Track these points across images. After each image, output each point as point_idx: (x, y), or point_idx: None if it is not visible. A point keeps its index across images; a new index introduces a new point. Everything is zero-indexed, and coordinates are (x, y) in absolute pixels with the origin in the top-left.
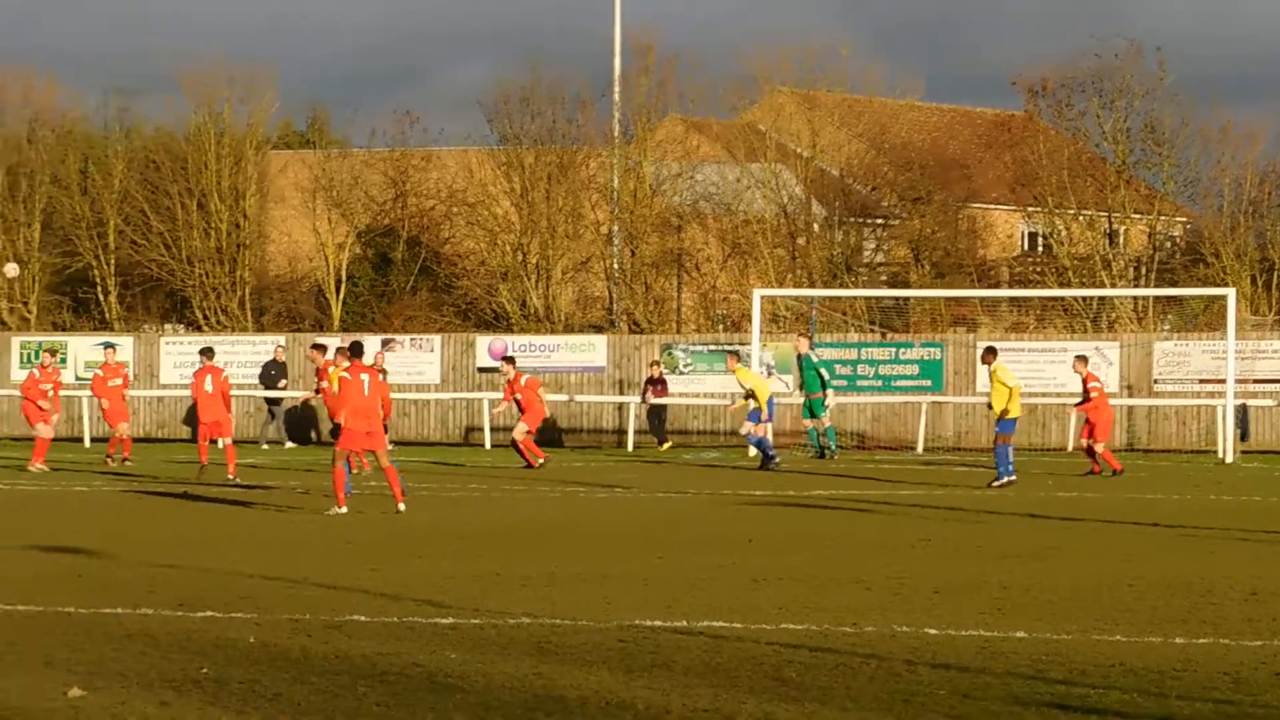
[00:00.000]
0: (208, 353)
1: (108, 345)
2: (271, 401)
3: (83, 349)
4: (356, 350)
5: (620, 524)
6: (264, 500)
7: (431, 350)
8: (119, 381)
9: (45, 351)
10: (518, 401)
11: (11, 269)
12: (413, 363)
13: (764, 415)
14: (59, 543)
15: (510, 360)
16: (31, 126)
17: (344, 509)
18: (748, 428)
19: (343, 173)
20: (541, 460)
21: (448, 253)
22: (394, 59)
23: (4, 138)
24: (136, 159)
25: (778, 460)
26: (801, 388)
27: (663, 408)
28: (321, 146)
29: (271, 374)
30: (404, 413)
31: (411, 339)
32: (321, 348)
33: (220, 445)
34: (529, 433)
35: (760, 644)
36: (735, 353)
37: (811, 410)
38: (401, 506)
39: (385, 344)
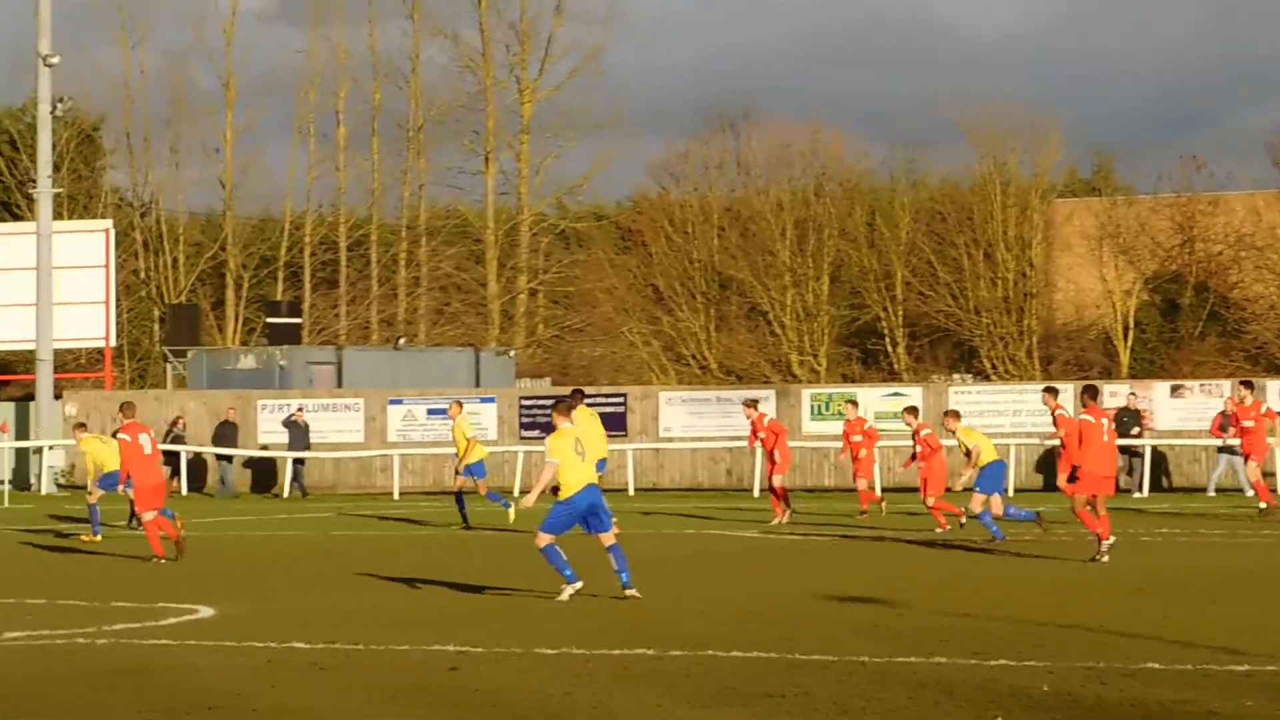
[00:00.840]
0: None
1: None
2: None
3: (872, 400)
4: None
5: None
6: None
7: (1221, 396)
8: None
9: (848, 403)
10: None
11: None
12: (1202, 409)
13: None
14: (857, 594)
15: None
16: (819, 180)
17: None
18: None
19: (1129, 219)
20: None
21: (1236, 297)
22: (1180, 104)
23: (793, 191)
24: (922, 210)
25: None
26: None
27: None
28: (1107, 193)
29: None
30: (1194, 459)
31: (1201, 385)
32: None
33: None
34: None
35: None
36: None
37: None
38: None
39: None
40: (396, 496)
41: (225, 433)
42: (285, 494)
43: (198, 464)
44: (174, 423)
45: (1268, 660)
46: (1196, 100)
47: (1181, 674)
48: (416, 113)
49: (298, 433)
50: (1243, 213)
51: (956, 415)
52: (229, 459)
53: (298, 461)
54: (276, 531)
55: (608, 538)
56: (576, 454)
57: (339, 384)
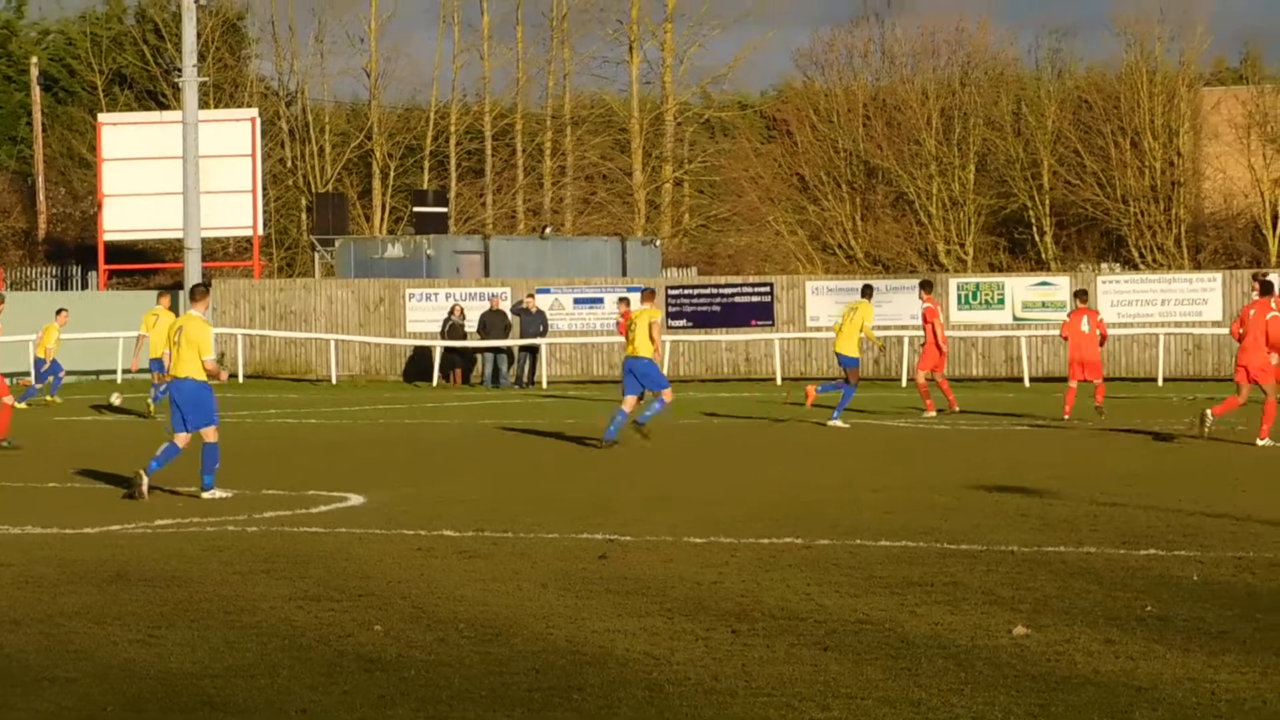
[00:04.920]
0: (1082, 295)
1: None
2: None
3: (1020, 289)
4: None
5: None
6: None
7: None
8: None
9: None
10: None
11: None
12: None
13: None
14: (1006, 483)
15: None
16: (965, 69)
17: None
18: None
19: (1278, 107)
20: None
21: None
22: None
23: (938, 80)
24: (1069, 99)
25: None
26: None
27: None
28: (1255, 81)
29: None
30: None
31: None
32: None
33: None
34: None
35: None
36: None
37: None
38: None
39: None
40: (545, 385)
41: (495, 322)
42: (522, 383)
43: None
44: (451, 311)
45: None
46: None
47: None
48: (561, 1)
49: (530, 320)
50: None
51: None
52: (505, 351)
53: (532, 350)
54: (428, 420)
55: None
56: None
57: (486, 273)
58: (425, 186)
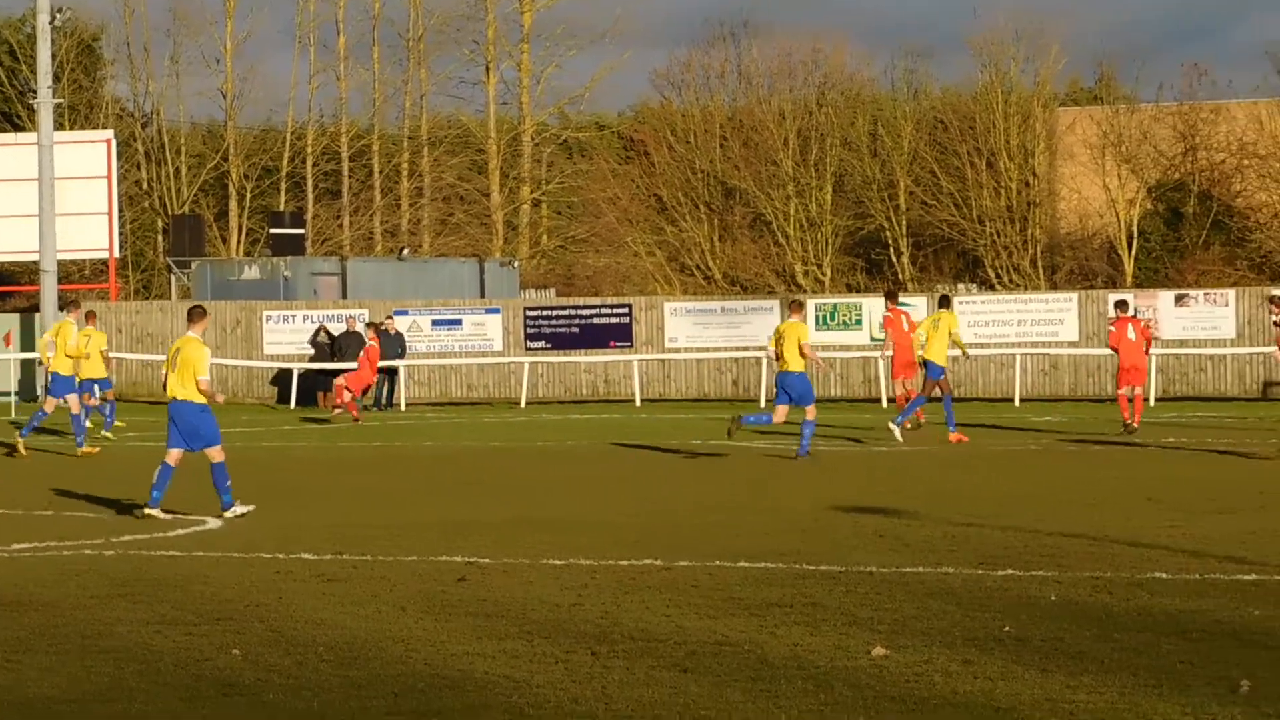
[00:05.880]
0: (1123, 305)
1: None
2: None
3: (877, 310)
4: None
5: None
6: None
7: (1226, 305)
8: None
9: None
10: None
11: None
12: (1207, 318)
13: None
14: (865, 504)
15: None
16: (821, 90)
17: None
18: None
19: (1131, 128)
20: None
21: (1240, 206)
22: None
23: (795, 100)
24: (925, 120)
25: None
26: None
27: None
28: (1109, 102)
29: None
30: (1200, 368)
31: (1205, 294)
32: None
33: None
34: None
35: None
36: None
37: None
38: None
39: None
40: (404, 408)
41: (351, 343)
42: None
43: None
44: (317, 332)
45: (1275, 570)
46: (1199, 9)
47: (1188, 583)
48: (417, 21)
49: (389, 341)
50: (1245, 121)
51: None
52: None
53: (391, 373)
54: (287, 443)
55: None
56: None
57: (343, 295)
58: (282, 208)
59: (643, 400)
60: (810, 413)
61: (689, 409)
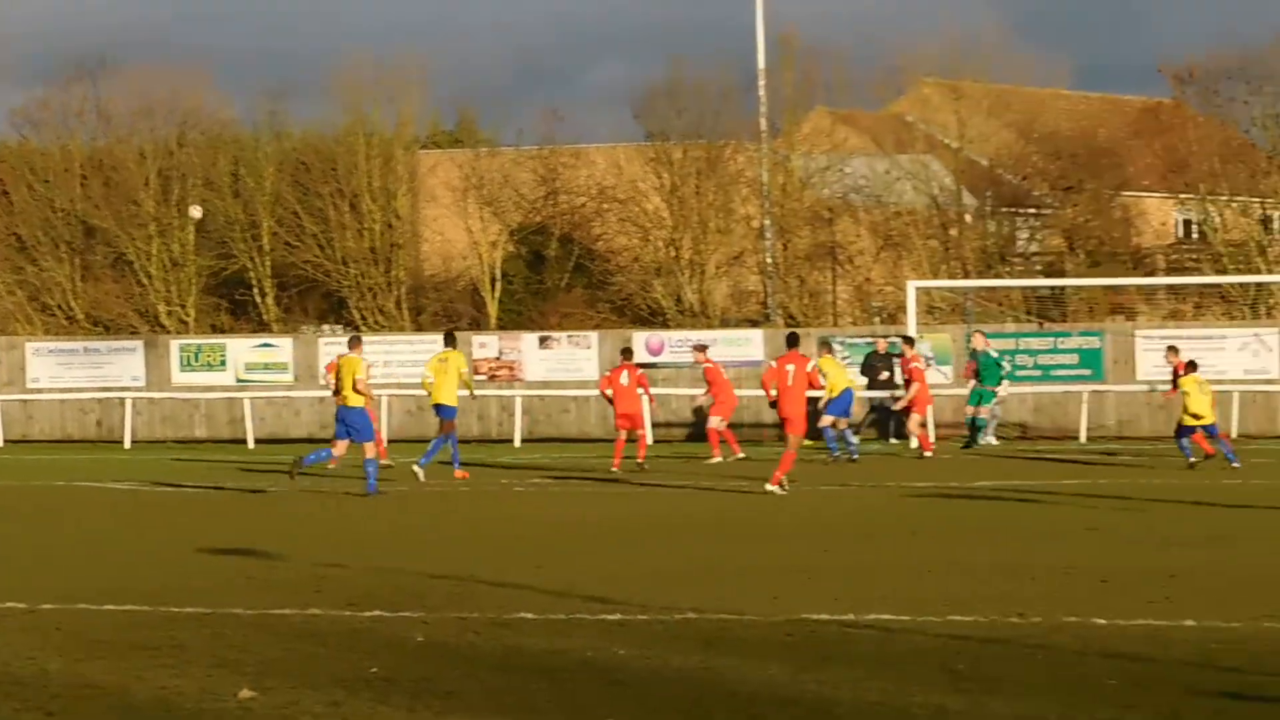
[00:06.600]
0: (627, 354)
1: None
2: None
3: (241, 351)
4: None
5: (782, 517)
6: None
7: (589, 347)
8: None
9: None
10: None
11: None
12: (570, 360)
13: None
14: (232, 545)
15: (703, 349)
16: (182, 129)
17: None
18: (825, 420)
19: (493, 171)
20: (739, 455)
21: (601, 249)
22: (540, 59)
23: (155, 140)
24: (287, 161)
25: (839, 455)
26: (978, 378)
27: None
28: (470, 145)
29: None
30: (564, 409)
31: (569, 336)
32: None
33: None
34: (723, 422)
35: (928, 635)
36: (826, 342)
37: (980, 398)
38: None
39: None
40: None
41: None
42: None
43: None
44: None
45: (639, 610)
46: (554, 55)
47: (555, 623)
48: None
49: None
50: (604, 165)
51: (827, 346)
52: None
53: None
54: None
55: None
56: None
57: None
58: None
59: (5, 441)
60: (369, 450)
61: (53, 450)
